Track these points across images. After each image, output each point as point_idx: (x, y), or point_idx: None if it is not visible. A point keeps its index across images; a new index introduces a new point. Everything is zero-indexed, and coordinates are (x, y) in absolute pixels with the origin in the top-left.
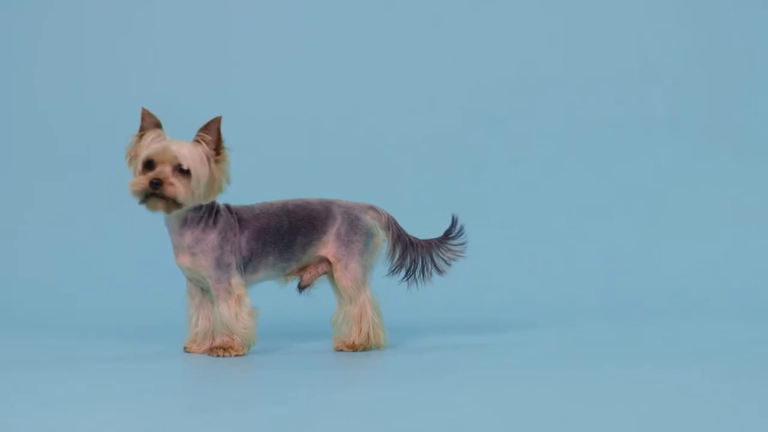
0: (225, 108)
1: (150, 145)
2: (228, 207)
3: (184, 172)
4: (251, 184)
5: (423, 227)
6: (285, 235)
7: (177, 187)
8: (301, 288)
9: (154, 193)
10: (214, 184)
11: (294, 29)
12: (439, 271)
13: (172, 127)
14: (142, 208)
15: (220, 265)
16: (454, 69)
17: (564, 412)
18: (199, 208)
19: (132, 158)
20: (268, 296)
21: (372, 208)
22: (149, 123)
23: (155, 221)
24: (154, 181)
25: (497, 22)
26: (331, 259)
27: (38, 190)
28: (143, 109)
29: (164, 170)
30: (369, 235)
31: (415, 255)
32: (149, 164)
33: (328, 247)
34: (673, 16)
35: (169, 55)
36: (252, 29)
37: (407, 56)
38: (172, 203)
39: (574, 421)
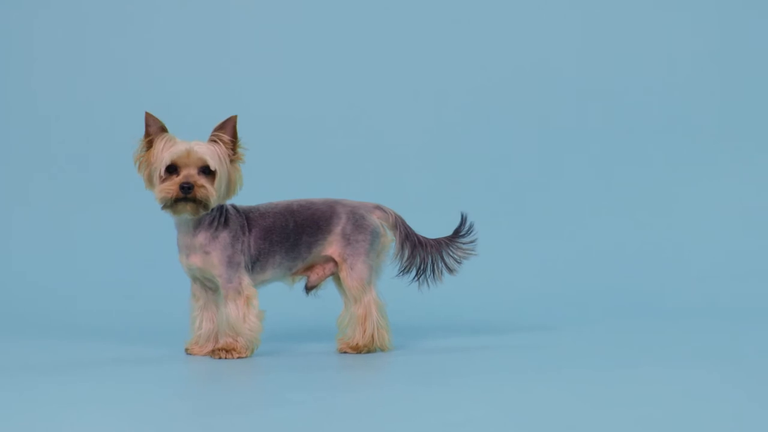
0: (228, 107)
1: (167, 149)
2: (234, 207)
3: (208, 174)
4: (256, 185)
5: (432, 226)
6: (291, 235)
7: (208, 189)
8: (308, 289)
9: (184, 197)
10: (231, 184)
11: (298, 27)
12: (450, 271)
13: (172, 126)
14: (142, 209)
15: (231, 263)
16: (460, 67)
17: (574, 416)
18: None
19: (142, 164)
20: (270, 298)
21: (379, 207)
22: (155, 128)
23: (157, 223)
24: (185, 185)
25: (504, 21)
26: (337, 259)
27: (39, 191)
28: (147, 114)
29: (191, 173)
30: (375, 234)
31: (425, 254)
32: (172, 168)
33: (333, 246)
34: (684, 14)
35: (170, 52)
36: (255, 27)
37: (412, 56)
38: (201, 206)
39: (585, 425)
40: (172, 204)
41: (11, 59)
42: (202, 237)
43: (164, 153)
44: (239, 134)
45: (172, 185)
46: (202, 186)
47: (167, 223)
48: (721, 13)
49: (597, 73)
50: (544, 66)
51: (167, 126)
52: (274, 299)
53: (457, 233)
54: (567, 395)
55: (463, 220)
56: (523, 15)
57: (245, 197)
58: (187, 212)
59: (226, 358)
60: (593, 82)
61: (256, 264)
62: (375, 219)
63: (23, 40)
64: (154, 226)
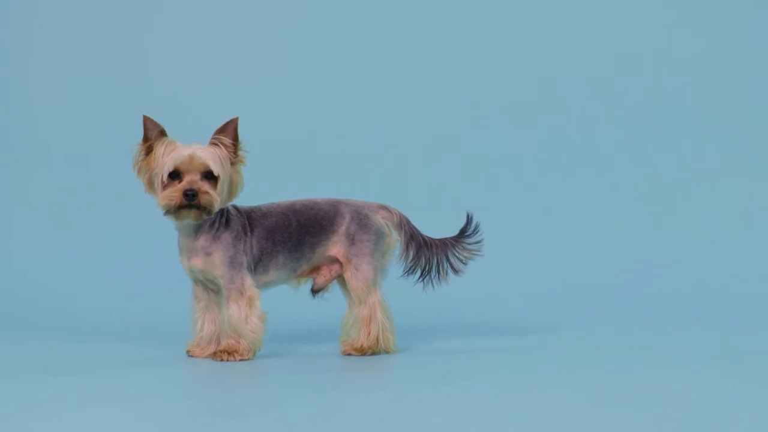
0: (229, 109)
1: (168, 154)
2: (236, 207)
3: (211, 179)
4: (259, 186)
5: (437, 226)
6: (294, 234)
7: (212, 195)
8: (314, 292)
9: (188, 204)
10: (233, 187)
11: (298, 28)
12: (455, 271)
13: (172, 128)
14: (142, 210)
15: (233, 264)
16: (461, 67)
17: (578, 417)
18: None
19: (142, 168)
20: (273, 299)
21: (384, 207)
22: (154, 132)
23: (158, 223)
24: (189, 192)
25: (505, 21)
26: (341, 260)
27: (39, 191)
28: (145, 117)
29: (195, 179)
30: (380, 234)
31: (430, 255)
32: (174, 174)
33: (337, 247)
34: (684, 14)
35: (170, 52)
36: (255, 28)
37: (414, 56)
38: (204, 212)
39: (589, 426)
40: (175, 211)
41: (11, 59)
42: (203, 239)
43: (166, 158)
44: (240, 136)
45: (175, 192)
46: (206, 192)
47: (168, 223)
48: (742, 6)
49: (598, 73)
50: (545, 66)
51: (167, 129)
52: (277, 300)
53: (462, 233)
54: (571, 396)
55: (469, 220)
56: (523, 15)
57: (248, 198)
58: (190, 218)
59: (228, 360)
60: (594, 82)
61: (258, 264)
62: (379, 219)
63: (23, 40)
64: (154, 226)
